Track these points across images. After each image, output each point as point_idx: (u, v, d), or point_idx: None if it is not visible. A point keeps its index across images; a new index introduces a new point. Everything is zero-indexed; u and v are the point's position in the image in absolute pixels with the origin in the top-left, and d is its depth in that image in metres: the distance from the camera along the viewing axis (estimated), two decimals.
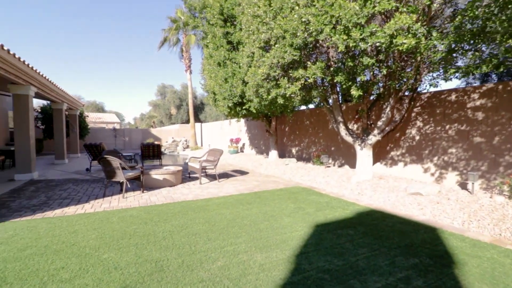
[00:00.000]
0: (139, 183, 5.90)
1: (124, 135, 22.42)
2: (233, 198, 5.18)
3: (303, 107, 10.12)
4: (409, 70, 5.51)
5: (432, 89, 5.95)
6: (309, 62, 5.32)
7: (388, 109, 5.89)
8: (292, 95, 6.07)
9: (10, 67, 6.08)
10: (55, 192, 5.73)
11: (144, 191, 5.79)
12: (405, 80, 5.59)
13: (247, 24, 6.43)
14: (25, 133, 7.11)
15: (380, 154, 7.28)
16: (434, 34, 4.27)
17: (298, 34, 4.85)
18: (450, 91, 5.78)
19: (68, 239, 3.21)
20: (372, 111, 6.98)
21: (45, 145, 17.06)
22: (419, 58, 4.98)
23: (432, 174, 6.01)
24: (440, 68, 5.13)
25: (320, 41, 5.35)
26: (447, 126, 5.77)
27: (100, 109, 49.26)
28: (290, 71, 5.70)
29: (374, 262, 2.62)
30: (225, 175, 7.98)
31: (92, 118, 31.38)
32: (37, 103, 28.10)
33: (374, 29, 4.10)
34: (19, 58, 6.09)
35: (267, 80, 6.25)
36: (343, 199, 5.08)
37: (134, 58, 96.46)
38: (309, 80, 5.38)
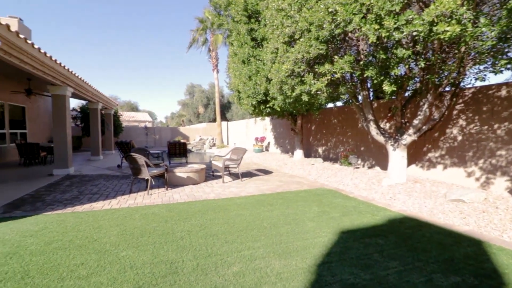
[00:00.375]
0: (164, 181, 6.00)
1: (155, 133, 23.38)
2: (255, 199, 5.04)
3: (330, 105, 9.69)
4: (451, 62, 4.94)
5: (478, 84, 5.30)
6: (336, 56, 4.99)
7: (425, 106, 5.36)
8: (317, 92, 5.77)
9: (48, 69, 6.50)
10: (86, 187, 6.02)
11: (168, 189, 5.87)
12: (446, 74, 5.04)
13: (271, 18, 6.24)
14: (62, 131, 7.59)
15: (415, 155, 6.70)
16: (482, 20, 3.74)
17: (325, 26, 4.56)
18: (499, 86, 5.11)
19: (91, 235, 3.28)
20: (407, 108, 6.42)
21: (84, 142, 18.28)
22: (463, 49, 4.43)
23: (477, 179, 5.37)
24: (488, 60, 4.53)
25: (349, 33, 5.00)
26: (496, 125, 5.11)
27: (134, 108, 51.87)
28: (315, 67, 5.40)
29: (407, 278, 2.32)
30: (248, 174, 7.87)
31: (126, 117, 33.08)
32: (78, 103, 30.30)
33: (410, 16, 3.69)
34: (55, 61, 6.47)
35: (291, 77, 6.00)
36: (372, 203, 4.71)
37: (167, 59, 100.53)
38: (336, 76, 5.05)
